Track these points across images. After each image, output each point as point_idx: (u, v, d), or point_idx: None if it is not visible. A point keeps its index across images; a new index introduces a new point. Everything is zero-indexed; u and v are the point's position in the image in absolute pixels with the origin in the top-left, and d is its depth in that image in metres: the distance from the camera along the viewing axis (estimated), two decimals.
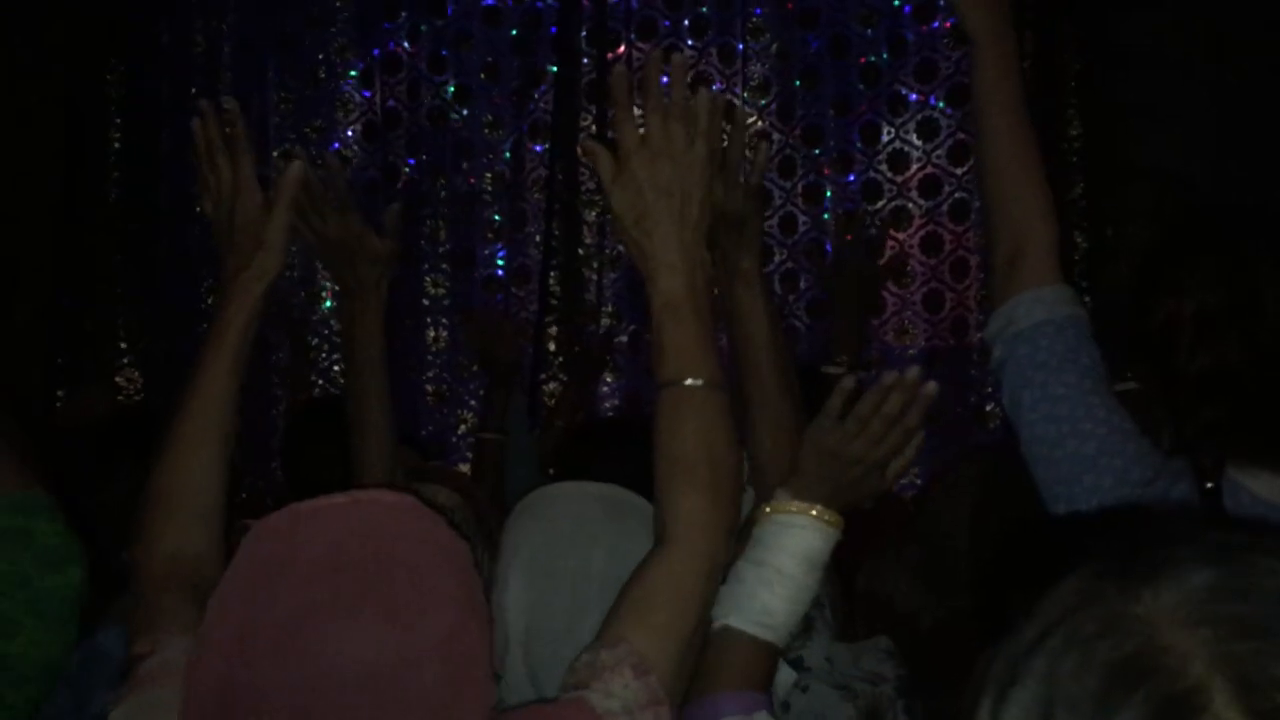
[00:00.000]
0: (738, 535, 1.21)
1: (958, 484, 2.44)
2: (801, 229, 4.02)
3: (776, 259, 4.02)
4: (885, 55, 3.99)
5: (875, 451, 1.29)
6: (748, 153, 1.52)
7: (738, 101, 4.06)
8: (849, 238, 2.60)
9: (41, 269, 3.82)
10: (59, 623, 1.30)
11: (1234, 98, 3.67)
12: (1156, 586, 0.56)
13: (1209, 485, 1.19)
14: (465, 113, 4.03)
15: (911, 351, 3.94)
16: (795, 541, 1.26)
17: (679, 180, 1.15)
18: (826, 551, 1.29)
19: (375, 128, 4.14)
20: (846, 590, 1.68)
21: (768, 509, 1.29)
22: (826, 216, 4.00)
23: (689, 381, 1.14)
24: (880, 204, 3.99)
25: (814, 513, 1.27)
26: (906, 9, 3.96)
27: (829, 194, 4.03)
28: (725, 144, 1.39)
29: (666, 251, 1.15)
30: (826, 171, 4.04)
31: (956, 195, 3.94)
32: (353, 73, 4.14)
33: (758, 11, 4.07)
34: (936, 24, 3.98)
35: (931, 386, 1.29)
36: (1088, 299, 3.52)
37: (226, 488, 1.28)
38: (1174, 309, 1.25)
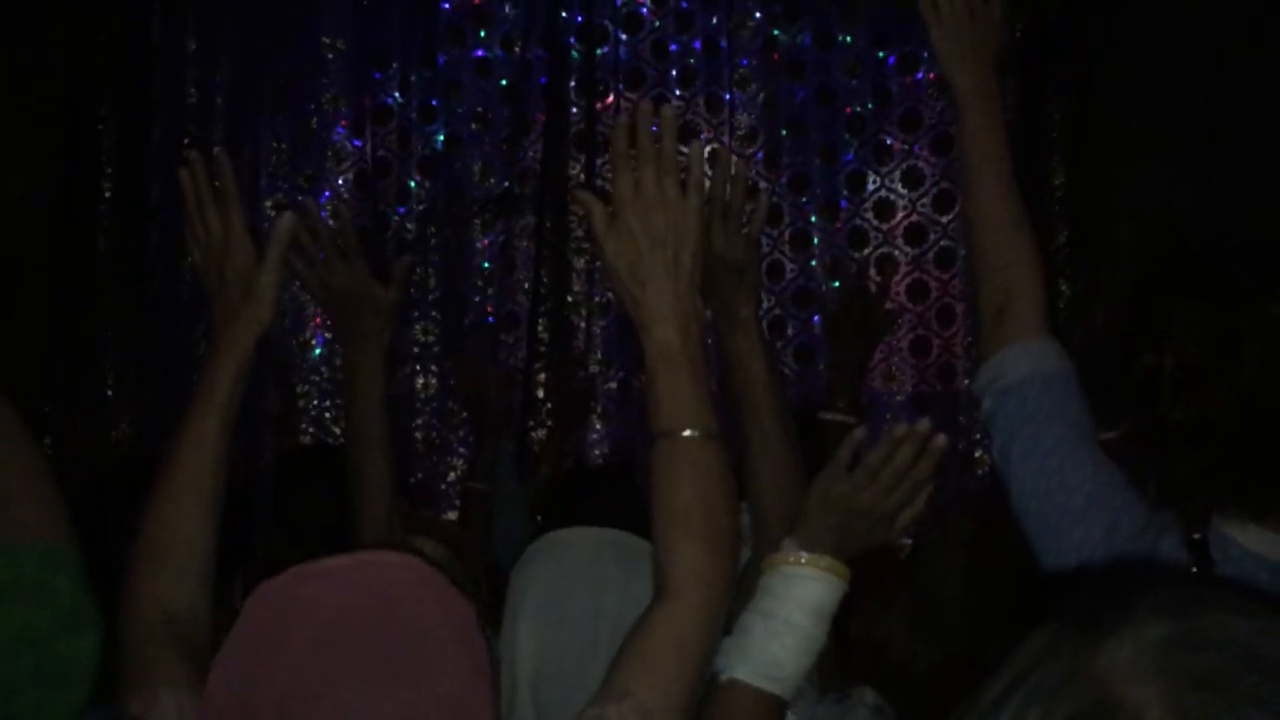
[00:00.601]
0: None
1: (950, 532, 2.46)
2: (789, 276, 4.06)
3: (764, 305, 4.04)
4: (870, 105, 4.04)
5: (885, 503, 1.30)
6: (748, 206, 1.54)
7: (724, 151, 4.10)
8: (854, 275, 2.65)
9: (33, 318, 3.81)
10: (65, 691, 1.24)
11: (1217, 148, 3.73)
12: (1115, 640, 0.58)
13: (1196, 536, 1.20)
14: (456, 163, 4.07)
15: (899, 397, 3.97)
16: (804, 592, 1.25)
17: (672, 232, 1.17)
18: (835, 603, 1.28)
19: (366, 176, 4.16)
20: (840, 637, 1.68)
21: (775, 559, 1.29)
22: (814, 264, 4.04)
23: (686, 432, 1.14)
24: (867, 251, 4.03)
25: (823, 564, 1.27)
26: (891, 60, 4.03)
27: (816, 241, 4.07)
28: (726, 195, 1.42)
29: (660, 302, 1.16)
30: (813, 219, 4.08)
31: (942, 243, 3.98)
32: (344, 122, 4.18)
33: (744, 62, 4.13)
34: (920, 75, 4.04)
35: (941, 439, 1.31)
36: (1071, 343, 3.55)
37: (216, 540, 1.27)
38: (1157, 358, 1.25)
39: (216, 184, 1.36)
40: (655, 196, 1.17)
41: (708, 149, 4.12)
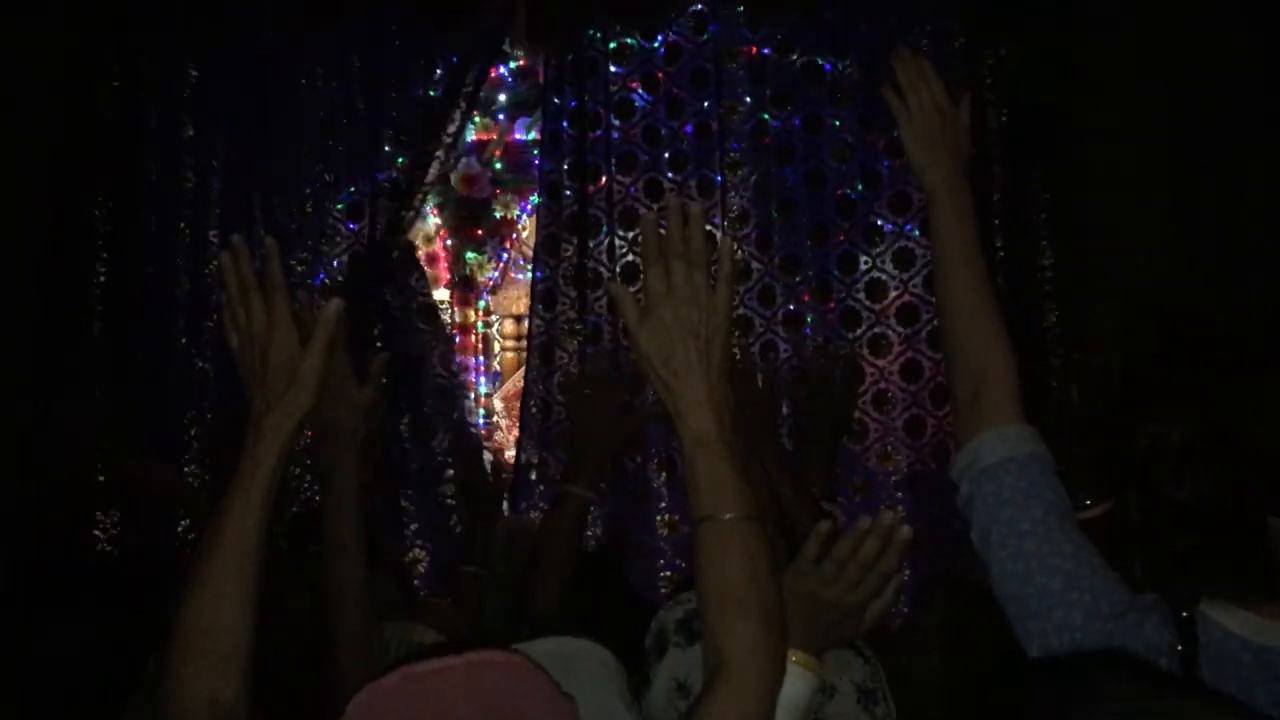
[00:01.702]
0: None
1: (931, 614, 2.44)
2: (783, 354, 4.07)
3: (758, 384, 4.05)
4: (860, 187, 4.10)
5: (853, 595, 1.31)
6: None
7: (717, 232, 4.14)
8: (823, 360, 2.63)
9: (21, 403, 3.79)
10: None
11: (1194, 223, 3.79)
12: None
13: (1185, 615, 1.19)
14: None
15: (895, 477, 3.96)
16: None
17: (704, 324, 1.22)
18: (809, 697, 1.28)
19: (360, 258, 4.19)
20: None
21: None
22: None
23: (728, 515, 1.17)
24: (859, 331, 4.05)
25: (794, 659, 1.27)
26: (880, 143, 4.08)
27: (809, 320, 4.09)
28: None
29: (694, 390, 1.20)
30: (806, 299, 4.11)
31: (935, 323, 4.00)
32: (340, 205, 4.22)
33: (735, 146, 4.18)
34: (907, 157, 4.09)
35: (906, 531, 1.32)
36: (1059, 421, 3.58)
37: (253, 628, 1.25)
38: (1155, 435, 1.26)
39: (262, 268, 1.37)
40: (687, 291, 1.22)
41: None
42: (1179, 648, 1.18)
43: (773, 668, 1.15)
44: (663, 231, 1.29)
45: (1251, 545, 1.21)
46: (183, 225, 4.00)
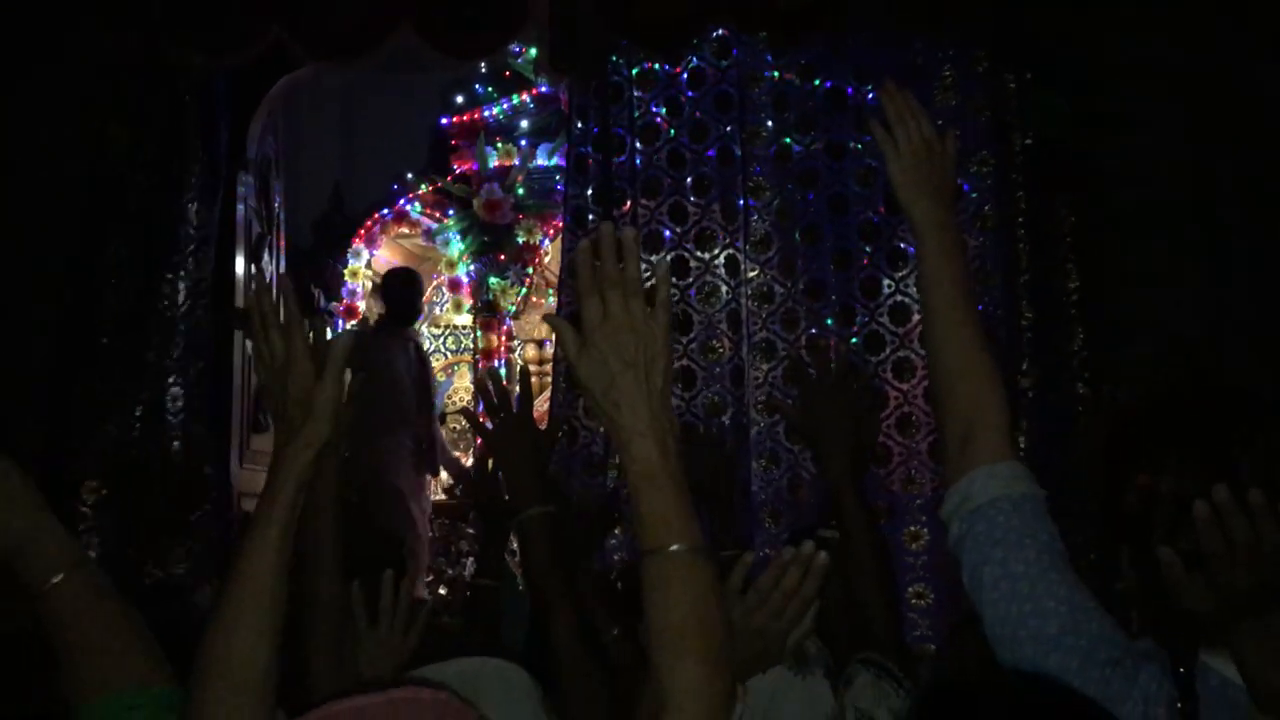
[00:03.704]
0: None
1: (963, 648, 2.40)
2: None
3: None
4: (883, 211, 4.10)
5: (776, 624, 1.33)
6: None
7: (740, 256, 4.15)
8: (822, 367, 2.34)
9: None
10: None
11: (1224, 251, 3.78)
12: None
13: (1181, 670, 1.18)
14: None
15: (919, 501, 3.94)
16: None
17: (642, 352, 1.19)
18: None
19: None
20: None
21: None
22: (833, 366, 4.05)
23: (674, 547, 1.14)
24: (883, 355, 4.05)
25: None
26: None
27: (832, 342, 4.09)
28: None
29: (636, 420, 1.18)
30: (829, 323, 4.11)
31: None
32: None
33: (758, 170, 4.20)
34: None
35: (823, 558, 1.32)
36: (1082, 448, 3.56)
37: (276, 659, 1.26)
38: (1151, 489, 1.24)
39: (280, 303, 1.40)
40: (623, 319, 1.19)
41: (723, 255, 4.19)
42: (1179, 704, 1.16)
43: (716, 708, 1.10)
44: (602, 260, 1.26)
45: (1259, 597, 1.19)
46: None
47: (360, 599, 1.58)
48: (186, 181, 4.14)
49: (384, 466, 4.62)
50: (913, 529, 3.90)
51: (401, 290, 5.05)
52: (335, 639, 1.68)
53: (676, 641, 1.11)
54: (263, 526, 1.29)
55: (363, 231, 5.98)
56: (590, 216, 4.18)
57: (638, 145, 4.18)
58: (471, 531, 4.82)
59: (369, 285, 6.09)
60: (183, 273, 4.08)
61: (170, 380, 3.99)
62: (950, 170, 1.50)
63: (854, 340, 4.07)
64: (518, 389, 2.57)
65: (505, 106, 5.97)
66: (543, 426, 2.95)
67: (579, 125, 4.25)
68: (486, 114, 6.00)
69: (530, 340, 6.19)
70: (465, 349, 6.13)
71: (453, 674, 1.36)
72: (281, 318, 1.39)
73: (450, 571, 5.07)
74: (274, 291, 1.41)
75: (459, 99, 6.13)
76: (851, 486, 2.06)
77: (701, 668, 1.10)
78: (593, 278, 1.19)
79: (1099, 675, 1.20)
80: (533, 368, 5.30)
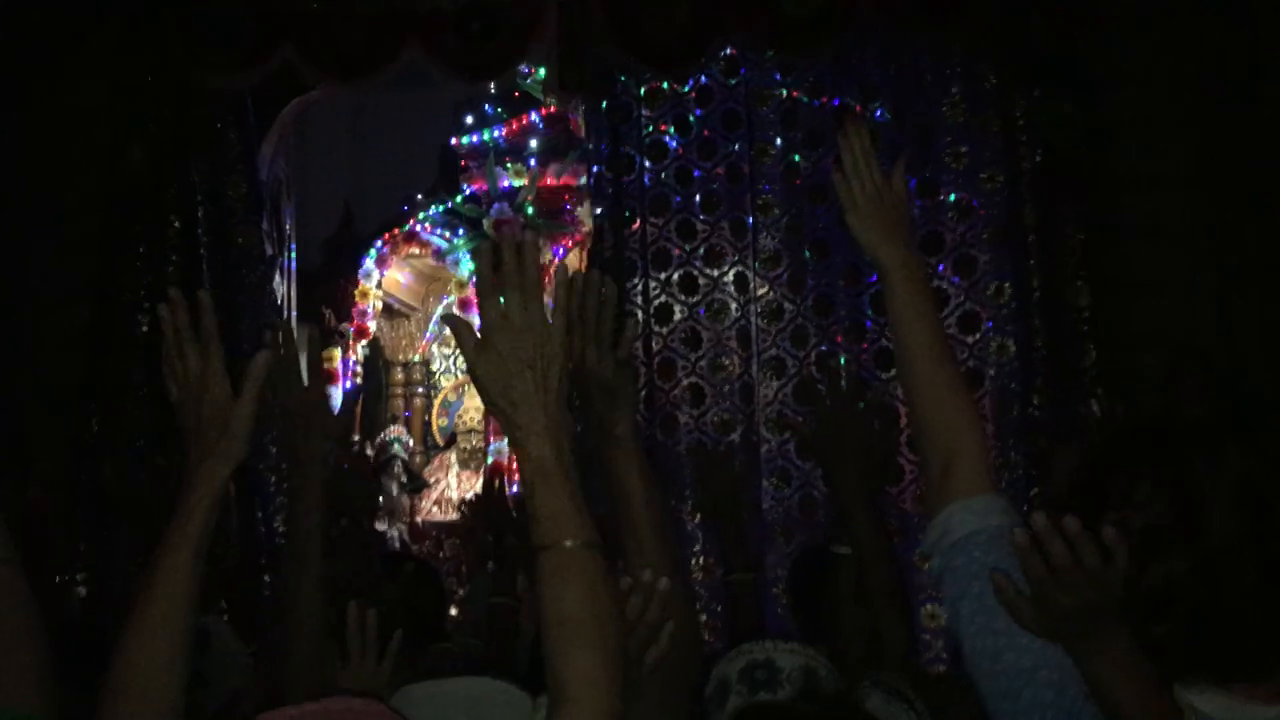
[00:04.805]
0: None
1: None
2: None
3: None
4: None
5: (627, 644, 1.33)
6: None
7: (749, 273, 4.16)
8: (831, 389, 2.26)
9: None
10: None
11: (1235, 268, 3.75)
12: None
13: None
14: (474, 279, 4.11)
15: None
16: None
17: (539, 353, 1.21)
18: None
19: None
20: None
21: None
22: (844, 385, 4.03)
23: (567, 543, 1.16)
24: (894, 371, 4.02)
25: None
26: (911, 184, 4.08)
27: (843, 361, 4.07)
28: (597, 317, 1.49)
29: (533, 420, 1.20)
30: (839, 340, 4.09)
31: (969, 364, 3.98)
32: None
33: (766, 188, 4.20)
34: (940, 198, 4.10)
35: (665, 583, 1.35)
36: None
37: (186, 677, 1.27)
38: (1120, 521, 1.23)
39: (198, 321, 1.41)
40: (522, 321, 1.21)
41: (732, 272, 4.20)
42: None
43: (611, 700, 1.13)
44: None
45: (1232, 630, 1.18)
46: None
47: (356, 622, 1.58)
48: (222, 205, 4.18)
49: None
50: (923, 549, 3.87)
51: None
52: (316, 661, 1.68)
53: (571, 632, 1.14)
54: (175, 545, 1.29)
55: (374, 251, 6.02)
56: (601, 234, 4.21)
57: (646, 163, 4.19)
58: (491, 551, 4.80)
59: (379, 306, 6.12)
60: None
61: None
62: (903, 208, 1.53)
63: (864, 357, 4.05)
64: None
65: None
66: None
67: (589, 145, 4.27)
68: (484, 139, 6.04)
69: None
70: None
71: (450, 692, 1.36)
72: (200, 335, 1.40)
73: (461, 592, 5.06)
74: (193, 308, 1.41)
75: (469, 119, 6.16)
76: (864, 504, 2.05)
77: (597, 656, 1.13)
78: (491, 280, 1.21)
79: (1071, 708, 1.20)
80: None
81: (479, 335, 1.22)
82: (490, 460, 5.94)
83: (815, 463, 3.44)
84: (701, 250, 4.18)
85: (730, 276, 4.16)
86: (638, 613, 1.34)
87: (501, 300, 1.21)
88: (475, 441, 6.43)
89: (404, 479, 6.05)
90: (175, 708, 1.24)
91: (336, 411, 1.88)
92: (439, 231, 5.99)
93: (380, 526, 5.23)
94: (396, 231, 6.06)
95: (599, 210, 4.22)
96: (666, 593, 1.35)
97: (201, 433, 1.35)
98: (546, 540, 1.17)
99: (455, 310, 5.97)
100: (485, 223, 5.82)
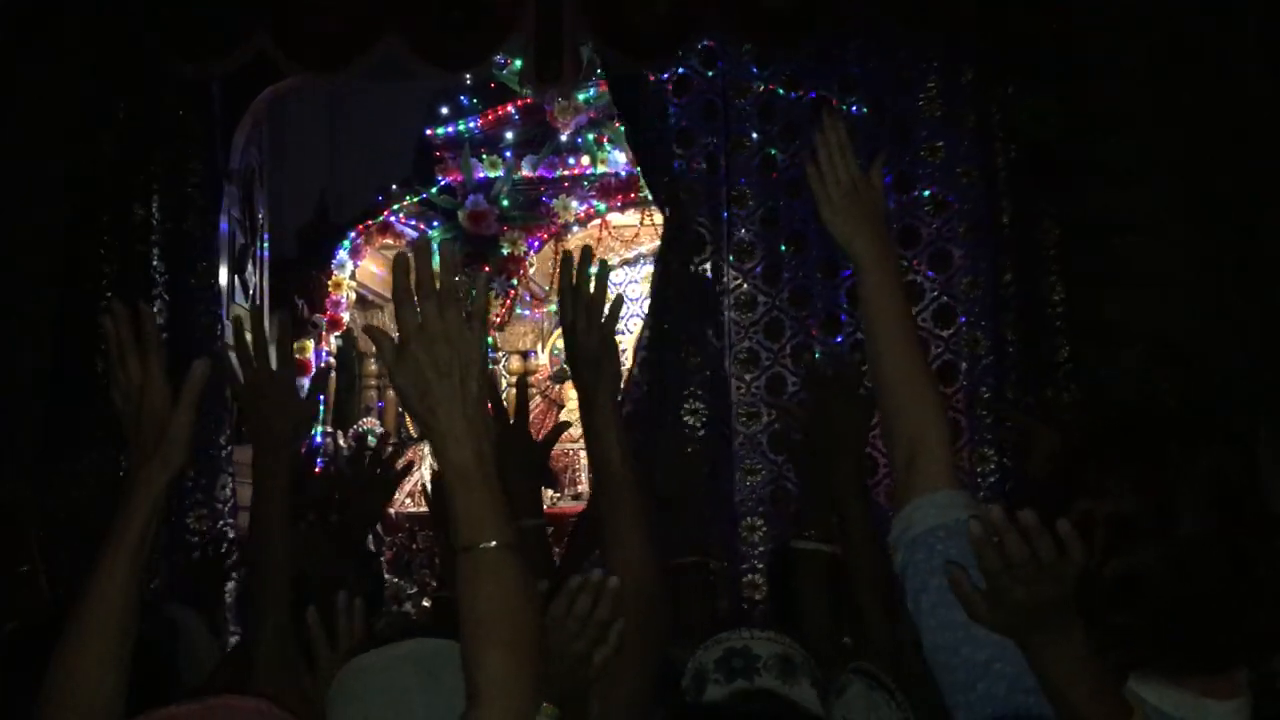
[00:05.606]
0: None
1: None
2: (790, 389, 4.05)
3: (765, 419, 4.05)
4: None
5: (575, 646, 1.36)
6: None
7: (724, 266, 4.15)
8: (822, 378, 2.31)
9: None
10: None
11: (1213, 262, 3.78)
12: None
13: None
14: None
15: None
16: None
17: (457, 360, 1.22)
18: None
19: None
20: None
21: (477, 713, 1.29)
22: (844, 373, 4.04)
23: (484, 544, 1.18)
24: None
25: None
26: (888, 179, 4.08)
27: (817, 354, 4.08)
28: (588, 292, 1.59)
29: (451, 425, 1.21)
30: (815, 333, 4.10)
31: (945, 358, 4.00)
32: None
33: (742, 180, 4.20)
34: (916, 192, 4.11)
35: (613, 582, 1.37)
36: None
37: (124, 685, 1.26)
38: (1085, 512, 1.24)
39: (139, 330, 1.42)
40: (438, 328, 1.22)
41: (708, 264, 4.19)
42: None
43: (522, 698, 1.14)
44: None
45: (1192, 625, 1.19)
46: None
47: (318, 623, 1.57)
48: (182, 193, 4.14)
49: None
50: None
51: None
52: (282, 664, 1.67)
53: (485, 632, 1.15)
54: (113, 552, 1.29)
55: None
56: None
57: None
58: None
59: (353, 296, 6.08)
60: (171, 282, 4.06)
61: None
62: (880, 203, 1.54)
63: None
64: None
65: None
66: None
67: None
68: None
69: (515, 352, 6.18)
70: None
71: (401, 655, 1.36)
72: (141, 344, 1.40)
73: (434, 584, 5.04)
74: (135, 318, 1.42)
75: (444, 110, 6.13)
76: (859, 495, 2.08)
77: (509, 656, 1.14)
78: (407, 288, 1.22)
79: (1023, 702, 1.21)
80: (515, 379, 5.28)
81: (396, 344, 1.23)
82: None
83: (791, 455, 3.43)
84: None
85: (706, 268, 4.16)
86: (586, 611, 1.35)
87: (418, 309, 1.22)
88: None
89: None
90: (113, 714, 1.24)
91: (304, 394, 1.87)
92: (413, 222, 5.97)
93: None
94: (371, 222, 6.03)
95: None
96: (617, 591, 1.36)
97: (142, 441, 1.36)
98: (465, 542, 1.19)
99: None
100: (460, 214, 5.79)
